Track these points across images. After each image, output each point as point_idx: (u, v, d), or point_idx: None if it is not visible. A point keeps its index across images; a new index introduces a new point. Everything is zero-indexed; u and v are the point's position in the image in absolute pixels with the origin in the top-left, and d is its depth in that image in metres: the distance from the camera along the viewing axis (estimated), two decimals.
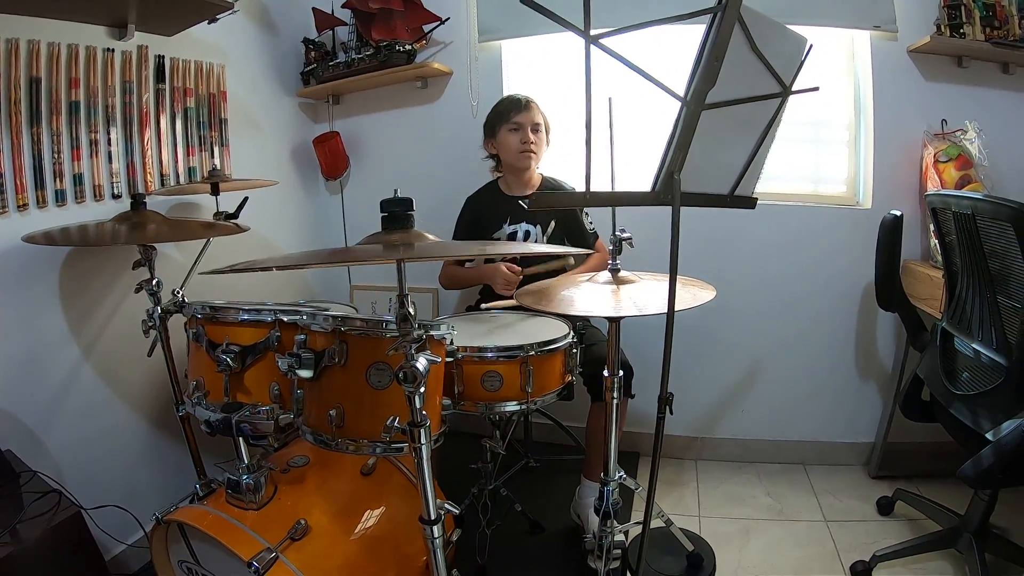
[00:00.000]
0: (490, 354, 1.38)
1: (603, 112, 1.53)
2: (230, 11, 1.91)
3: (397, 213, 0.94)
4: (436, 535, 1.03)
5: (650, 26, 0.91)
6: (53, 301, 1.71)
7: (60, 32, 1.68)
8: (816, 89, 1.15)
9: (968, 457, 1.36)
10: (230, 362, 1.23)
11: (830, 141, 2.14)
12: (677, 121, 1.02)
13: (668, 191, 1.07)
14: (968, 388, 1.46)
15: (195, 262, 1.76)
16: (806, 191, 2.16)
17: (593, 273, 1.38)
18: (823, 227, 2.07)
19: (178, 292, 1.61)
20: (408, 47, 2.18)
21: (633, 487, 1.59)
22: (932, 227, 1.73)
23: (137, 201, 1.59)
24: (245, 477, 1.21)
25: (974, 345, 1.46)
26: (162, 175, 2.01)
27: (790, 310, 2.13)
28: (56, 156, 1.71)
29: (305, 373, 1.13)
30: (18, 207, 1.63)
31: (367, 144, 2.50)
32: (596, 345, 1.75)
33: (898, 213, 1.70)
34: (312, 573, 1.13)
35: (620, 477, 1.42)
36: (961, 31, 1.83)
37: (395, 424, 1.01)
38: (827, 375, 2.18)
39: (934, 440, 1.96)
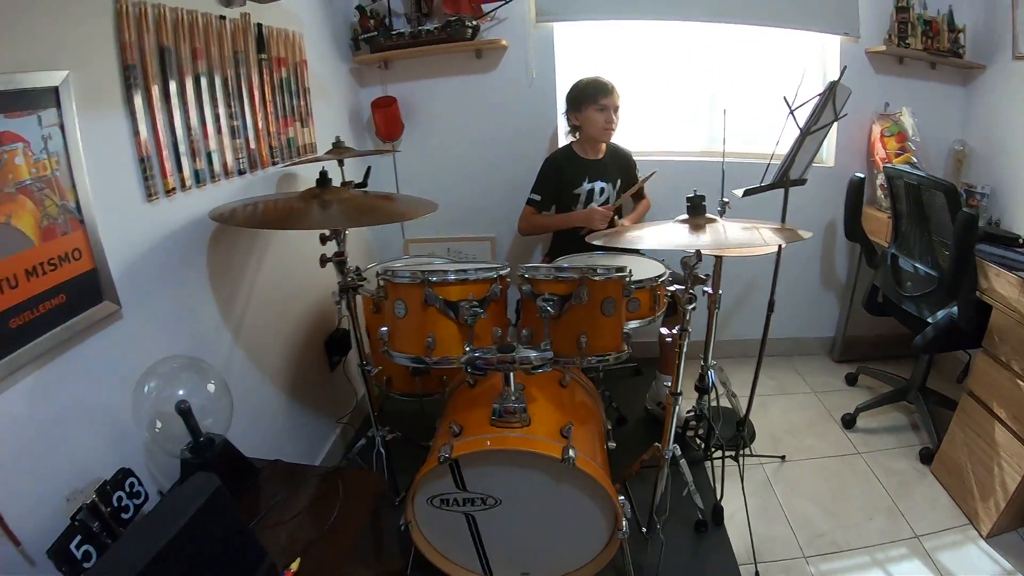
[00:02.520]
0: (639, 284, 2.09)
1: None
2: None
3: (699, 204, 1.74)
4: (678, 403, 1.88)
5: (813, 100, 1.85)
6: (204, 288, 1.94)
7: None
8: (845, 115, 2.15)
9: (915, 336, 2.53)
10: (480, 311, 1.76)
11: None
12: (795, 143, 2.01)
13: (783, 180, 2.05)
14: (912, 291, 2.63)
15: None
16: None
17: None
18: None
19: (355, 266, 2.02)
20: (474, 23, 2.86)
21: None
22: (884, 184, 2.87)
23: (324, 178, 1.91)
24: (514, 403, 1.75)
25: (915, 264, 2.62)
26: (271, 147, 2.29)
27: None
28: (191, 134, 1.83)
29: (553, 310, 1.80)
30: (166, 192, 1.74)
31: (420, 109, 3.14)
32: None
33: (862, 175, 2.81)
34: (590, 457, 1.72)
35: (714, 364, 2.41)
36: (907, 42, 2.94)
37: (665, 329, 1.87)
38: (801, 288, 3.40)
39: (876, 334, 3.30)
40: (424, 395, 2.36)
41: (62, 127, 1.40)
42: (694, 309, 1.73)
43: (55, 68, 1.37)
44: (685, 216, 1.78)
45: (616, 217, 2.75)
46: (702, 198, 1.73)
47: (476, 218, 3.29)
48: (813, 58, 3.16)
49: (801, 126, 1.99)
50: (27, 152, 1.32)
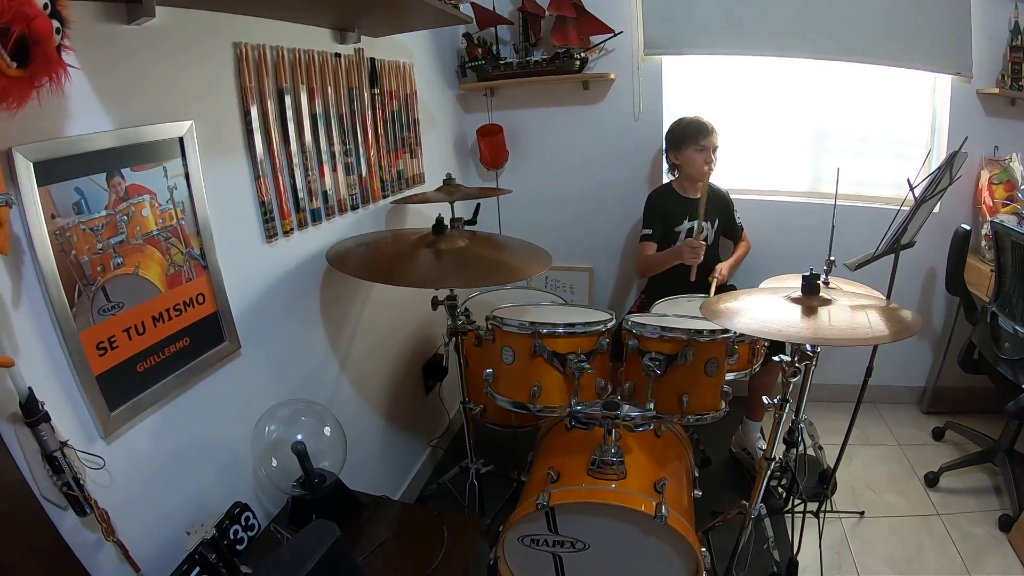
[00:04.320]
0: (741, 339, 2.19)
1: None
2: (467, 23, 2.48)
3: (813, 284, 1.80)
4: (769, 468, 1.98)
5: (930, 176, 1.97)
6: (316, 321, 2.09)
7: (290, 36, 1.84)
8: (960, 177, 2.25)
9: (1007, 401, 2.59)
10: (587, 367, 1.93)
11: (908, 157, 3.26)
12: (910, 212, 2.12)
13: (895, 246, 2.17)
14: (1010, 354, 2.68)
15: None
16: (892, 195, 3.27)
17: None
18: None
19: (464, 308, 2.21)
20: (582, 55, 2.99)
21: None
22: (990, 235, 2.93)
23: (441, 224, 1.99)
24: (613, 456, 1.92)
25: (1016, 326, 2.68)
26: (382, 180, 2.42)
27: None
28: (308, 174, 1.95)
29: (659, 370, 1.89)
30: (284, 232, 1.88)
31: (524, 137, 3.30)
32: None
33: (967, 227, 2.86)
34: (680, 511, 1.87)
35: (805, 418, 2.55)
36: (1021, 83, 2.94)
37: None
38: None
39: (968, 386, 3.32)
40: (517, 427, 2.54)
41: (187, 176, 1.52)
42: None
43: (180, 119, 1.48)
44: (797, 293, 1.85)
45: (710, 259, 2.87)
46: (817, 277, 1.84)
47: (576, 248, 3.46)
48: (923, 96, 3.20)
49: (917, 196, 2.11)
50: (154, 203, 1.43)
